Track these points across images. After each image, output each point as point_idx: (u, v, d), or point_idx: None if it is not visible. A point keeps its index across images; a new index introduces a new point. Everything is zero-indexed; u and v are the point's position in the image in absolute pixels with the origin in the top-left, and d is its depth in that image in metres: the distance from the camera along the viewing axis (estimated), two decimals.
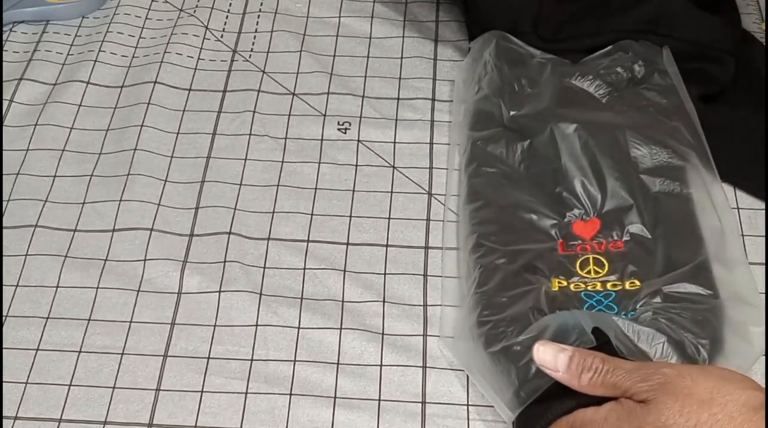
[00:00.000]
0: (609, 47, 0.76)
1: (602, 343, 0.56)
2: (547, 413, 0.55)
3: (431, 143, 0.76)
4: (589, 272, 0.63)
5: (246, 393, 0.62)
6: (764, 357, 0.61)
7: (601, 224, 0.65)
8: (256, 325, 0.65)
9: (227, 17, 0.87)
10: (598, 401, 0.53)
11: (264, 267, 0.68)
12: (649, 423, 0.50)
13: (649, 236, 0.64)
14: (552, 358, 0.54)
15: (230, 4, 0.88)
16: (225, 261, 0.68)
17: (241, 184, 0.74)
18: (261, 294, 0.67)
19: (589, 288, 0.61)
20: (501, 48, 0.76)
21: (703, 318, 0.58)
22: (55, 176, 0.74)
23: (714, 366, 0.54)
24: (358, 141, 0.77)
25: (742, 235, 0.69)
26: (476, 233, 0.66)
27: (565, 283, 0.62)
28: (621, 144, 0.68)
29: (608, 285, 0.62)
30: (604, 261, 0.63)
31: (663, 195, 0.66)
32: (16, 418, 0.61)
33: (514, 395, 0.57)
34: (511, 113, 0.71)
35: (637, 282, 0.61)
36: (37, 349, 0.64)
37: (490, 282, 0.62)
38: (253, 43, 0.85)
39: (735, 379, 0.51)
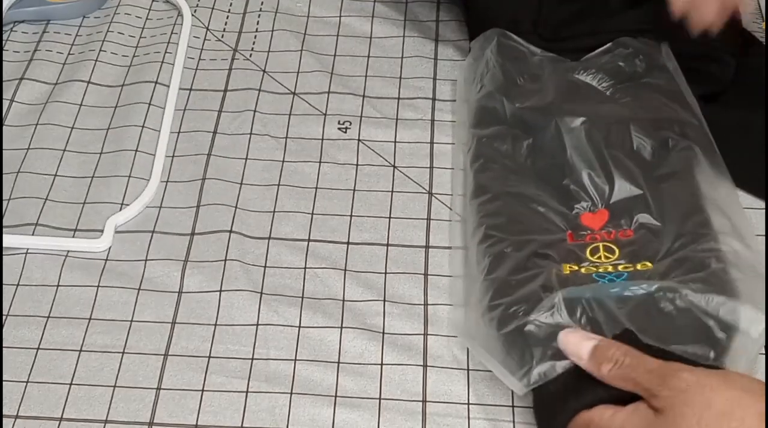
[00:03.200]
0: (608, 44, 0.76)
1: (626, 333, 0.56)
2: (565, 408, 0.55)
3: (432, 143, 0.76)
4: (599, 258, 0.63)
5: (246, 392, 0.62)
6: (764, 357, 0.61)
7: (610, 215, 0.65)
8: (257, 324, 0.65)
9: (228, 17, 0.87)
10: (617, 396, 0.53)
11: (265, 267, 0.68)
12: None
13: (658, 224, 0.64)
14: (576, 346, 0.55)
15: (231, 4, 0.89)
16: (225, 260, 0.68)
17: (241, 184, 0.74)
18: (261, 293, 0.67)
19: (600, 270, 0.62)
20: (502, 45, 0.76)
21: (721, 285, 0.58)
22: (55, 175, 0.75)
23: (736, 373, 0.53)
24: (359, 140, 0.77)
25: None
26: (484, 225, 0.65)
27: (576, 267, 0.62)
28: (626, 135, 0.68)
29: (620, 267, 0.62)
30: (615, 248, 0.63)
31: (669, 183, 0.66)
32: (16, 417, 0.61)
33: (528, 374, 0.56)
34: (516, 105, 0.71)
35: (649, 264, 0.61)
36: (38, 348, 0.64)
37: (499, 268, 0.62)
38: (253, 43, 0.85)
39: (756, 391, 0.50)
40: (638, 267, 0.61)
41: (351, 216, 0.72)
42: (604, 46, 0.76)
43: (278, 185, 0.74)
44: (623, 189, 0.66)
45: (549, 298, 0.58)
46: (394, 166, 0.75)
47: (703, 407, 0.49)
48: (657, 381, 0.51)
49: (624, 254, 0.62)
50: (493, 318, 0.59)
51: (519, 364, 0.57)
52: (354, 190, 0.73)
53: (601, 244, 0.63)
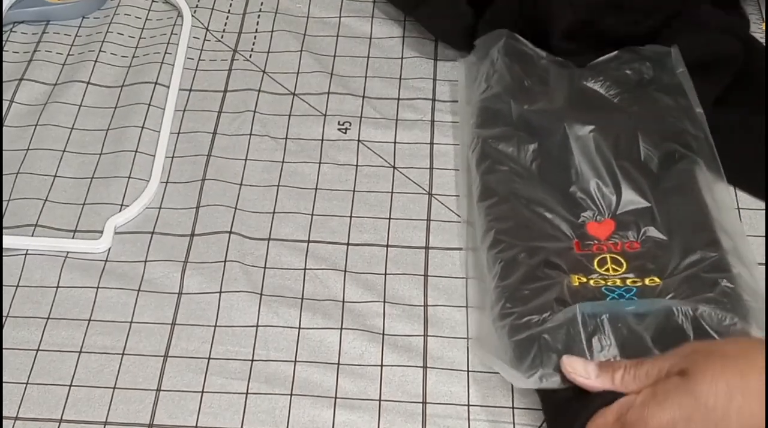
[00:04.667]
0: (616, 52, 0.76)
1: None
2: (585, 408, 0.55)
3: (431, 143, 0.76)
4: (607, 270, 0.63)
5: (246, 393, 0.62)
6: (764, 357, 0.61)
7: (616, 225, 0.65)
8: (257, 326, 0.65)
9: (227, 17, 0.87)
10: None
11: (264, 268, 0.68)
12: (688, 391, 0.51)
13: (665, 238, 0.64)
14: (583, 368, 0.56)
15: (230, 5, 0.89)
16: (225, 261, 0.68)
17: (241, 184, 0.74)
18: (261, 294, 0.67)
19: (609, 283, 0.62)
20: (510, 46, 0.76)
21: (732, 306, 0.58)
22: (55, 176, 0.75)
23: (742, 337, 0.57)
24: (359, 141, 0.77)
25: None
26: (494, 229, 0.65)
27: (584, 279, 0.62)
28: (634, 145, 0.68)
29: (628, 282, 0.62)
30: (622, 261, 0.63)
31: (675, 197, 0.66)
32: (16, 418, 0.61)
33: (535, 373, 0.57)
34: (524, 107, 0.71)
35: (657, 280, 0.61)
36: (38, 350, 0.64)
37: (511, 276, 0.62)
38: (253, 43, 0.85)
39: (764, 341, 0.53)
40: (647, 282, 0.61)
41: (351, 217, 0.72)
42: (611, 53, 0.76)
43: (278, 186, 0.74)
44: (630, 200, 0.66)
45: (565, 311, 0.58)
46: (394, 167, 0.75)
47: (720, 356, 0.52)
48: (668, 356, 0.54)
49: (632, 267, 0.63)
50: (505, 326, 0.60)
51: (529, 366, 0.57)
52: (354, 191, 0.73)
53: (608, 256, 0.63)
